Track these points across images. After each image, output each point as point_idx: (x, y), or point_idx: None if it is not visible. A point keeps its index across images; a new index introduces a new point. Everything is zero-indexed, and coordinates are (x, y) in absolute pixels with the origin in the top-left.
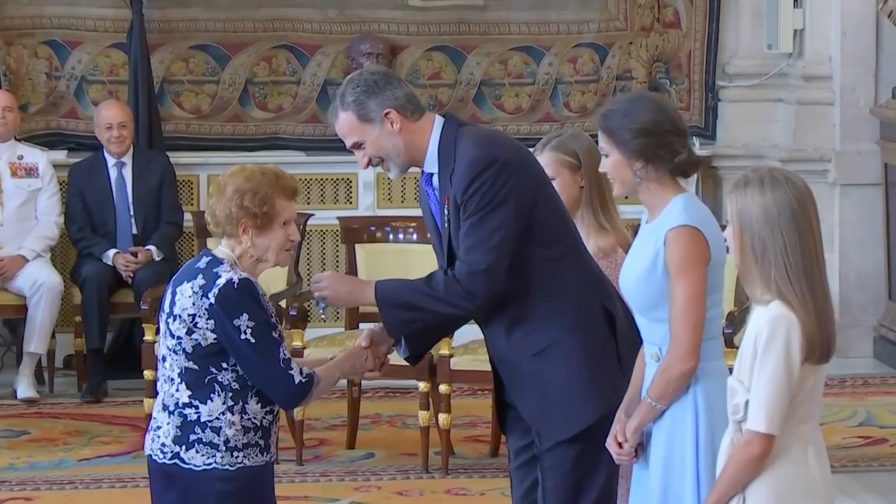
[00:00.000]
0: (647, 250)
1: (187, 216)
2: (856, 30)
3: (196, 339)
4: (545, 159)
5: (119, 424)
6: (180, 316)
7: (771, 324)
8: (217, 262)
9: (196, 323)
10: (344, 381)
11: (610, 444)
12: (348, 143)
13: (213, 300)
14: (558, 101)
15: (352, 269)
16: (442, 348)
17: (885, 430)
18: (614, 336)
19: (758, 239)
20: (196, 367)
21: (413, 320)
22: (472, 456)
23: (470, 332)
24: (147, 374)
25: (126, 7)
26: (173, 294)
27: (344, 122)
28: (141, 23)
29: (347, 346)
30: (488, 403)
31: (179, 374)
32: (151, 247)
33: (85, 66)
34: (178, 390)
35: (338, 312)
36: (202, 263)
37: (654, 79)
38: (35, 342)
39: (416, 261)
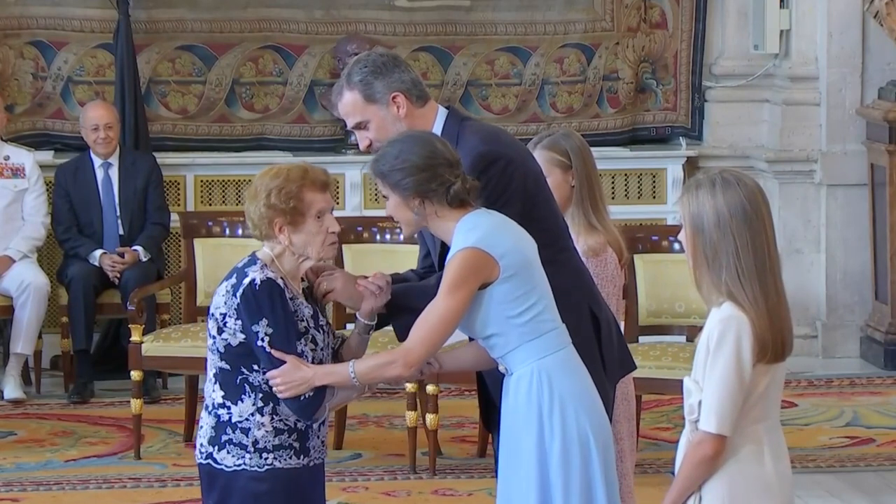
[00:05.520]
0: None
1: (174, 217)
2: (842, 30)
3: (226, 339)
4: (537, 158)
5: (106, 425)
6: (214, 315)
7: (722, 325)
8: (252, 261)
9: (226, 322)
10: None
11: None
12: (351, 123)
13: (238, 299)
14: (545, 102)
15: None
16: None
17: (871, 431)
18: (599, 340)
19: (709, 242)
20: (228, 367)
21: None
22: (460, 456)
23: (456, 333)
24: (134, 374)
25: (112, 7)
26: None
27: (349, 102)
28: (127, 23)
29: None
30: (475, 404)
31: (215, 375)
32: (138, 247)
33: (71, 67)
34: (214, 391)
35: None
36: (241, 263)
37: (640, 79)
38: (22, 343)
39: (402, 261)
